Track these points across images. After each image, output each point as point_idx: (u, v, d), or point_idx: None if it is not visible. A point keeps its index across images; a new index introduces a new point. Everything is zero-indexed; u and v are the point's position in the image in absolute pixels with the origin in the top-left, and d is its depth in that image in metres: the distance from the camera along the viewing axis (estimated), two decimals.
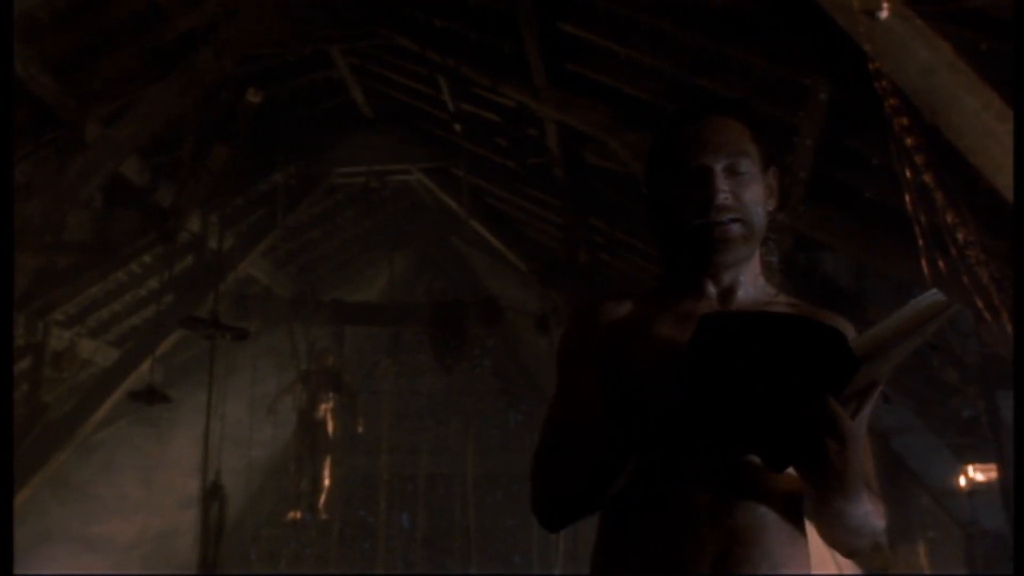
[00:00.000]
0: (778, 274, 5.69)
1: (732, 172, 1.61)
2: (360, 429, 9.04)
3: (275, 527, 10.16)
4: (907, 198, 2.96)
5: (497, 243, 8.72)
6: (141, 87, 6.77)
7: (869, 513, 1.47)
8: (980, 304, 2.89)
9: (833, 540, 1.54)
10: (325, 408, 8.87)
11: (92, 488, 10.12)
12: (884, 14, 3.09)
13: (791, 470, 1.41)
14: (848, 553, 1.58)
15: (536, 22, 5.59)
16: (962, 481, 4.89)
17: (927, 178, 2.97)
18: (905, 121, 3.04)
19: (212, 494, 6.72)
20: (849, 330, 1.60)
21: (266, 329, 9.09)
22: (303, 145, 8.26)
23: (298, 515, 9.05)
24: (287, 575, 10.04)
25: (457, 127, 7.48)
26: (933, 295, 1.31)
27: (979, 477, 4.79)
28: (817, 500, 1.44)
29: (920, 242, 2.94)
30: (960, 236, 2.85)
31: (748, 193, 1.61)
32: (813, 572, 1.52)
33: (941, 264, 2.91)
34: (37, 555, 9.84)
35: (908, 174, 2.98)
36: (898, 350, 1.32)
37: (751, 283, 1.67)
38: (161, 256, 8.48)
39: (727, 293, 1.66)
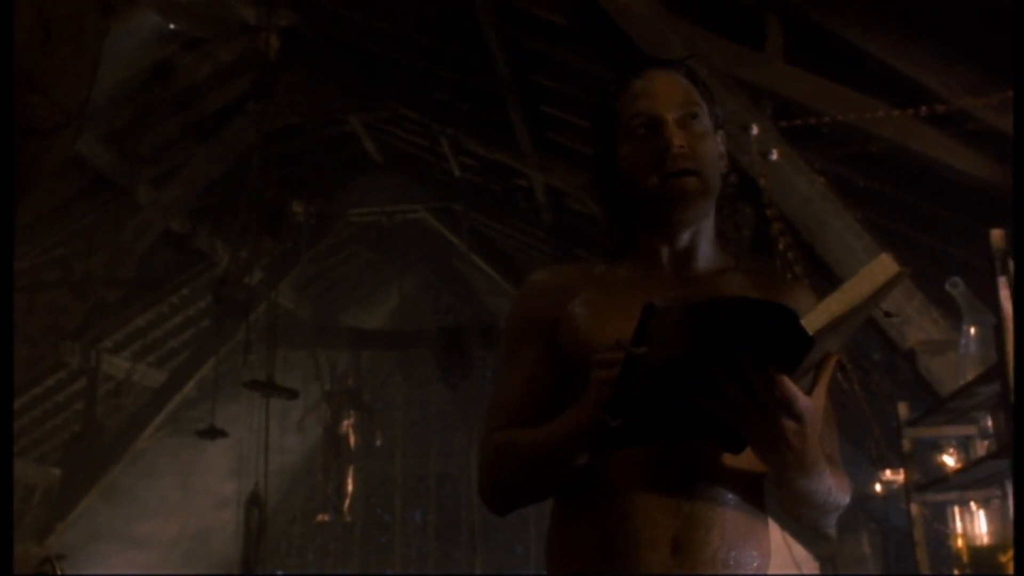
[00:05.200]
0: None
1: (685, 124, 1.52)
2: (379, 442, 9.91)
3: (303, 525, 11.00)
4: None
5: (491, 271, 9.76)
6: (184, 150, 7.83)
7: (832, 489, 1.41)
8: (855, 387, 3.93)
9: (798, 517, 1.47)
10: (347, 424, 9.72)
11: (136, 492, 10.91)
12: (775, 156, 4.15)
13: (749, 450, 1.37)
14: (814, 528, 1.54)
15: (520, 104, 6.58)
16: (878, 487, 5.89)
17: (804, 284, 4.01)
18: (789, 239, 4.08)
19: (252, 501, 7.69)
20: (810, 297, 1.57)
21: (290, 349, 10.05)
22: (321, 188, 9.25)
23: (326, 518, 9.86)
24: (314, 573, 10.92)
25: (457, 174, 8.50)
26: (883, 261, 1.25)
27: (890, 480, 5.74)
28: (778, 480, 1.38)
29: None
30: None
31: (703, 146, 1.52)
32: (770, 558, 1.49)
33: None
34: (88, 553, 10.71)
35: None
36: (852, 320, 1.27)
37: (708, 249, 1.58)
38: (198, 288, 9.59)
39: (683, 259, 1.56)
